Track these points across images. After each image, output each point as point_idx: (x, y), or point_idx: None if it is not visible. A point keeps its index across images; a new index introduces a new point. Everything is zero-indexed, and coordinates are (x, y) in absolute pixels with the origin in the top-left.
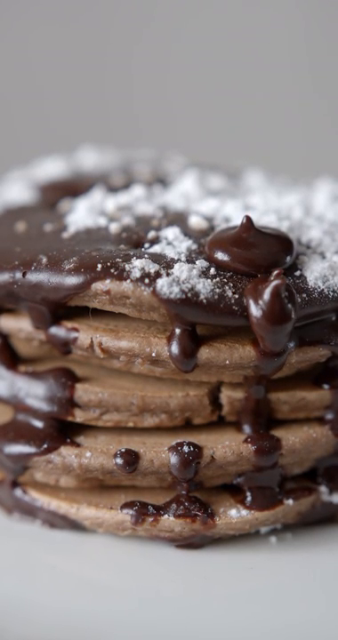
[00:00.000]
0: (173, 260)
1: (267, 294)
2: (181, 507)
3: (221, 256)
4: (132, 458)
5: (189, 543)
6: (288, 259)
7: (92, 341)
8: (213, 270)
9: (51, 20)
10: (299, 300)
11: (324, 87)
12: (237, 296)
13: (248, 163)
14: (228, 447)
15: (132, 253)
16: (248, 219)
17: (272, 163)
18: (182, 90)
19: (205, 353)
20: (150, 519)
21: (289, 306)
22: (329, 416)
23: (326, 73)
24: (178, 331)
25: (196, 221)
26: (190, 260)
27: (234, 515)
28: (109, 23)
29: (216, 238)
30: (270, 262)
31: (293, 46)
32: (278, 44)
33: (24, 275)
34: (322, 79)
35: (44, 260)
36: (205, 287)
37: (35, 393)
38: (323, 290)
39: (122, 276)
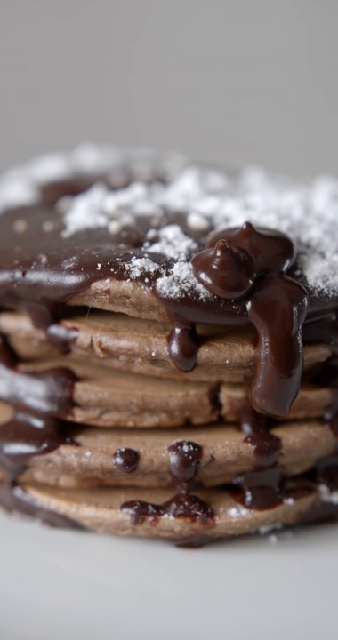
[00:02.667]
0: (172, 259)
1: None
2: (181, 506)
3: None
4: (131, 457)
5: (188, 543)
6: (288, 261)
7: (91, 341)
8: None
9: (49, 18)
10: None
11: (324, 85)
12: None
13: (248, 162)
14: (228, 447)
15: (131, 253)
16: (248, 225)
17: (272, 162)
18: (182, 88)
19: (204, 352)
20: (150, 519)
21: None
22: (329, 416)
23: (326, 71)
24: (178, 330)
25: (196, 221)
26: (190, 260)
27: (234, 514)
28: (109, 21)
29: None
30: (271, 265)
31: (293, 44)
32: (278, 42)
33: (24, 274)
34: (322, 77)
35: (44, 259)
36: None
37: (34, 392)
38: (323, 289)
39: (122, 275)
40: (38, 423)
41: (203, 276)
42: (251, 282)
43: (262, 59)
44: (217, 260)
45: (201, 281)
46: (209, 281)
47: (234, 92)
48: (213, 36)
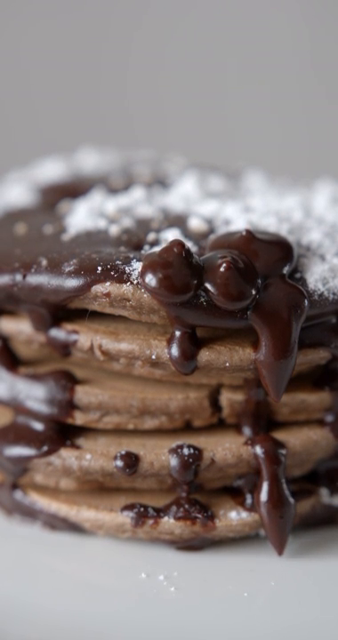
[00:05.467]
0: None
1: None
2: (181, 509)
3: None
4: (132, 460)
5: (189, 545)
6: (289, 265)
7: (92, 344)
8: None
9: (49, 21)
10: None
11: (324, 87)
12: None
13: (248, 164)
14: (228, 449)
15: (132, 256)
16: (248, 232)
17: (272, 164)
18: (182, 90)
19: (204, 355)
20: (150, 521)
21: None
22: (329, 418)
23: (327, 73)
24: (178, 333)
25: (196, 223)
26: None
27: (234, 517)
28: (109, 22)
29: (218, 243)
30: (272, 270)
31: (294, 46)
32: (279, 43)
33: (24, 277)
34: (323, 79)
35: (44, 262)
36: None
37: (35, 395)
38: (323, 292)
39: (122, 278)
40: (38, 426)
41: (206, 284)
42: (254, 292)
43: (262, 60)
44: (221, 272)
45: (204, 289)
46: (213, 290)
47: (234, 93)
48: (213, 37)
